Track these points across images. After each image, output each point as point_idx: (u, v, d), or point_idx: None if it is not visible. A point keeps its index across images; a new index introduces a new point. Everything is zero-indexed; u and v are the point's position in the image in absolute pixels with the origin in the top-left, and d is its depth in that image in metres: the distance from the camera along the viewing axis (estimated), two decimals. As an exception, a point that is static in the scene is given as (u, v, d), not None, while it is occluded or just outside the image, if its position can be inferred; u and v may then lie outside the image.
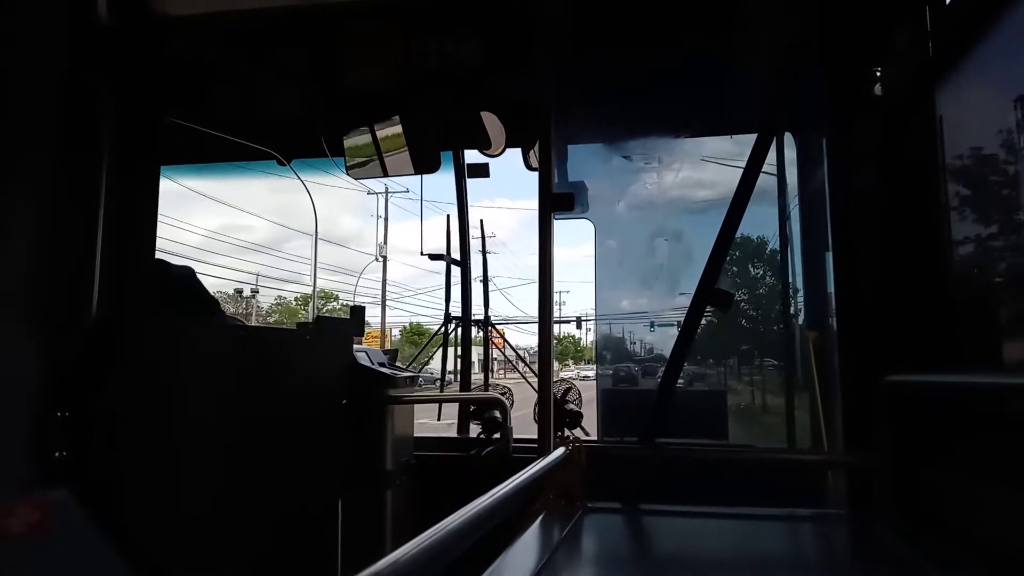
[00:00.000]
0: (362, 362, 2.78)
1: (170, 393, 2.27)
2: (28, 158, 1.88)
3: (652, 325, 2.59)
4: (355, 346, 2.78)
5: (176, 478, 2.24)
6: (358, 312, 2.74)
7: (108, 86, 2.25)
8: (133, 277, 2.42)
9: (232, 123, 2.96)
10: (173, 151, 3.01)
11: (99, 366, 2.15)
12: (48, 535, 1.71)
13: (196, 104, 2.86)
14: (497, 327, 3.95)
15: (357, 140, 3.09)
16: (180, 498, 2.22)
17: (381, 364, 2.95)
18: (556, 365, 4.17)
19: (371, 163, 3.13)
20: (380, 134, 3.08)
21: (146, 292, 2.43)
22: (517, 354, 4.62)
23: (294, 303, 39.33)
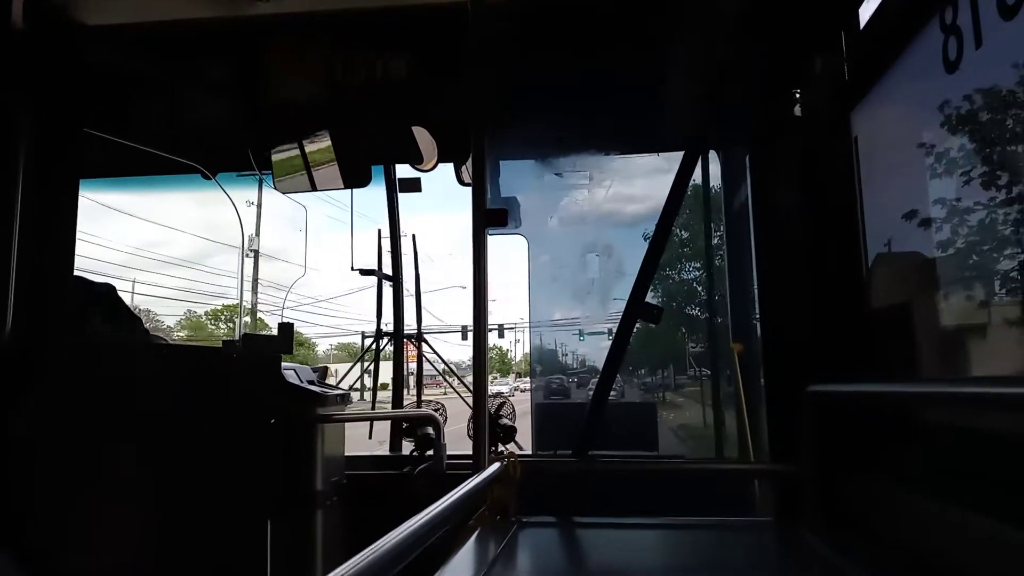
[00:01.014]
0: (291, 380, 2.72)
1: (89, 414, 2.18)
2: None
3: (581, 334, 2.61)
4: (283, 364, 2.72)
5: (95, 504, 2.14)
6: (286, 329, 2.68)
7: (24, 96, 2.17)
8: (50, 294, 2.32)
9: (155, 136, 2.87)
10: (93, 164, 2.90)
11: (13, 387, 2.05)
12: None
13: (118, 116, 2.77)
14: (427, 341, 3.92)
15: (285, 154, 3.04)
16: (100, 525, 2.13)
17: (310, 382, 2.89)
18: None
19: (299, 177, 3.08)
20: (309, 148, 3.04)
21: (64, 309, 2.33)
22: (449, 367, 4.60)
23: (203, 318, 38.00)
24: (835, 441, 1.75)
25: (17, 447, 2.04)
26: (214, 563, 2.24)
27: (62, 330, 2.27)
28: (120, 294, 2.68)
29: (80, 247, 2.64)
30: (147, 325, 2.70)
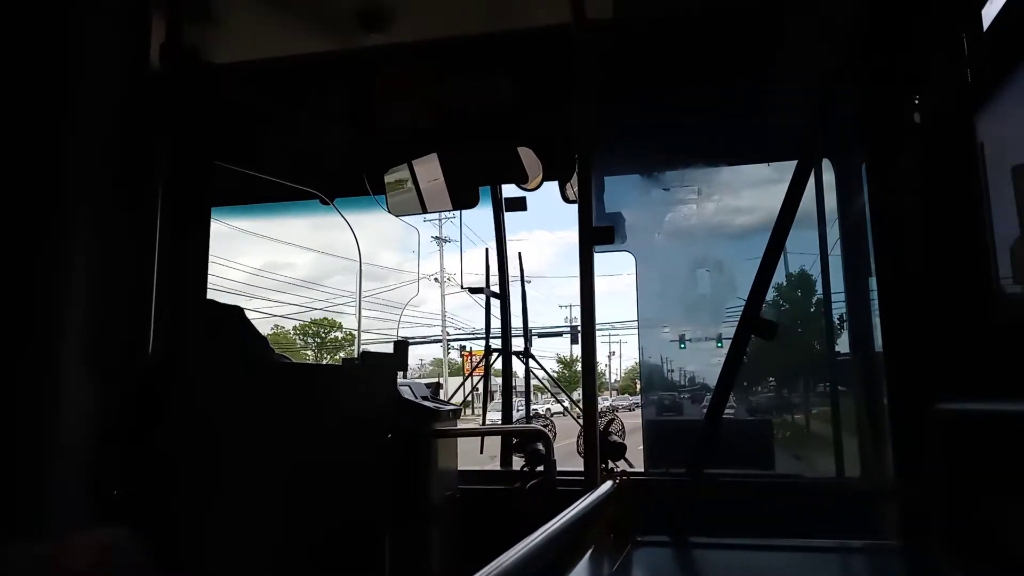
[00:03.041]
0: (406, 396, 2.81)
1: (222, 431, 2.31)
2: (89, 203, 1.96)
3: (681, 341, 2.57)
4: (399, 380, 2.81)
5: (228, 514, 2.27)
6: (401, 347, 2.77)
7: (163, 133, 2.34)
8: (186, 317, 2.48)
9: (278, 165, 3.04)
10: (221, 193, 3.10)
11: (155, 405, 2.20)
12: (107, 573, 1.75)
13: (243, 147, 2.95)
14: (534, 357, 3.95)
15: (397, 177, 3.16)
16: (232, 534, 2.26)
17: (424, 398, 2.98)
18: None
19: (411, 200, 3.19)
20: (419, 171, 3.14)
21: (198, 332, 2.49)
22: (558, 384, 4.61)
23: (292, 333, 39.31)
24: (965, 460, 1.66)
25: (157, 458, 2.19)
26: (336, 573, 2.33)
27: (197, 351, 2.43)
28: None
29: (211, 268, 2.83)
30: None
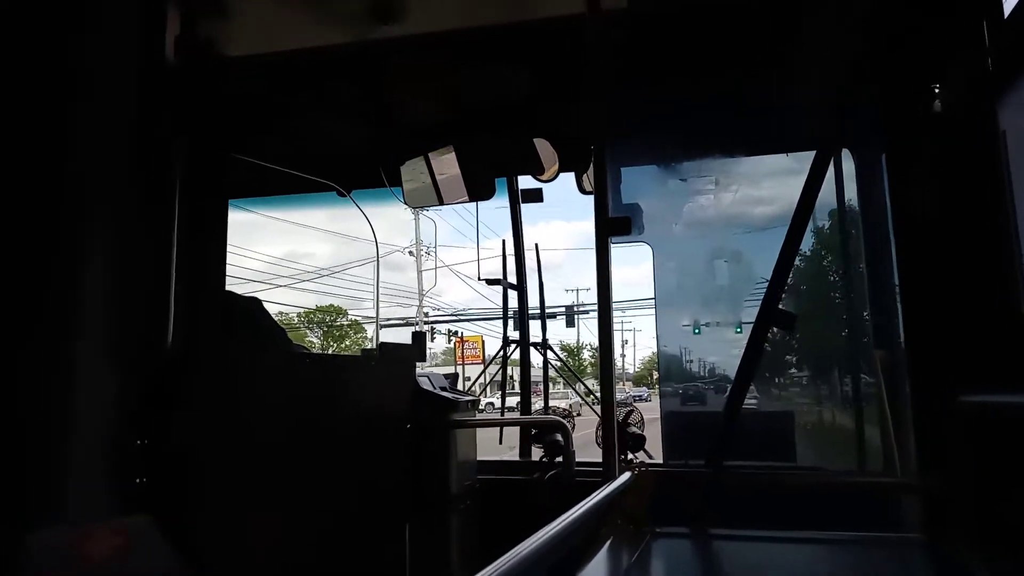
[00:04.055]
0: (424, 387, 2.82)
1: (242, 420, 2.34)
2: (107, 198, 1.98)
3: (696, 327, 2.56)
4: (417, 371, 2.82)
5: (248, 504, 2.30)
6: (419, 338, 2.79)
7: (179, 126, 2.36)
8: (205, 308, 2.50)
9: (294, 157, 3.05)
10: (239, 185, 3.12)
11: (175, 395, 2.23)
12: (130, 560, 1.77)
13: (260, 140, 2.96)
14: (552, 348, 3.95)
15: (414, 169, 3.16)
16: (252, 524, 2.28)
17: (443, 388, 2.99)
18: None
19: (428, 191, 3.19)
20: (435, 163, 3.15)
21: (217, 323, 2.51)
22: (574, 374, 4.61)
23: (296, 320, 38.69)
24: (989, 454, 1.65)
25: (178, 448, 2.21)
26: (357, 564, 2.35)
27: (215, 342, 2.45)
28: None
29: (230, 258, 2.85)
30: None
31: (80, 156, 1.94)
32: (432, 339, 32.48)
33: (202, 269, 2.69)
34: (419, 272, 30.90)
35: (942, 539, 1.74)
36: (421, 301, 30.55)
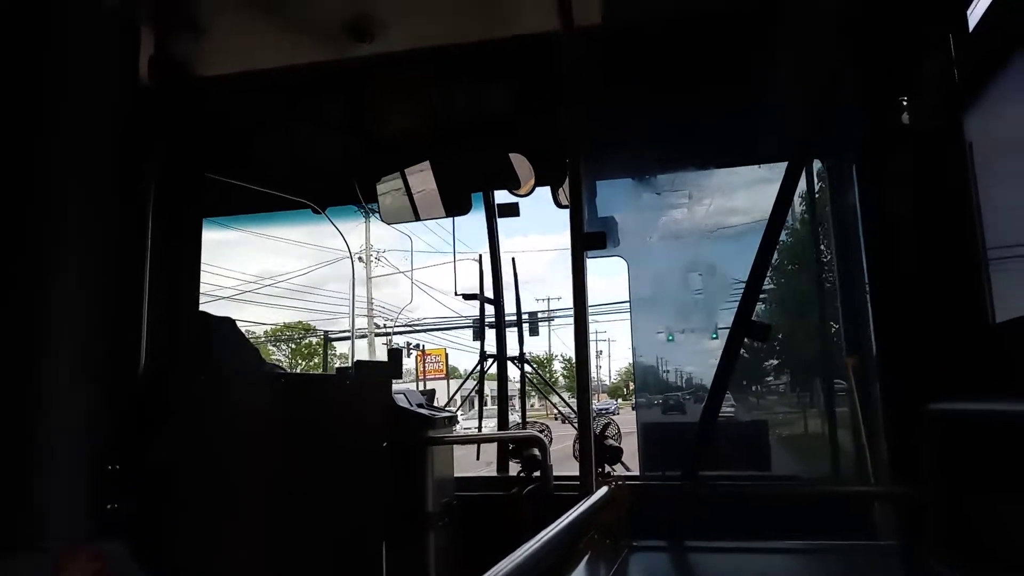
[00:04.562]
0: (401, 404, 2.81)
1: (218, 442, 2.31)
2: (80, 215, 1.96)
3: (670, 334, 2.58)
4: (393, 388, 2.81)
5: (226, 526, 2.27)
6: (396, 355, 2.78)
7: (154, 145, 2.34)
8: (179, 330, 2.48)
9: (269, 175, 3.04)
10: (214, 204, 3.10)
11: (150, 419, 2.20)
12: None
13: (234, 158, 2.95)
14: (529, 362, 3.96)
15: (390, 186, 3.16)
16: (231, 546, 2.26)
17: (419, 405, 2.98)
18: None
19: (404, 207, 3.19)
20: (411, 179, 3.15)
21: (192, 343, 2.49)
22: (551, 387, 4.62)
23: (262, 338, 37.54)
24: (961, 461, 1.67)
25: (153, 472, 2.18)
26: None
27: (191, 363, 2.42)
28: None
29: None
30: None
31: (53, 173, 1.92)
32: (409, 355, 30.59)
33: (176, 287, 2.67)
34: (368, 279, 29.20)
35: (915, 546, 1.76)
36: (371, 310, 29.03)
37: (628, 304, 2.52)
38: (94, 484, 1.95)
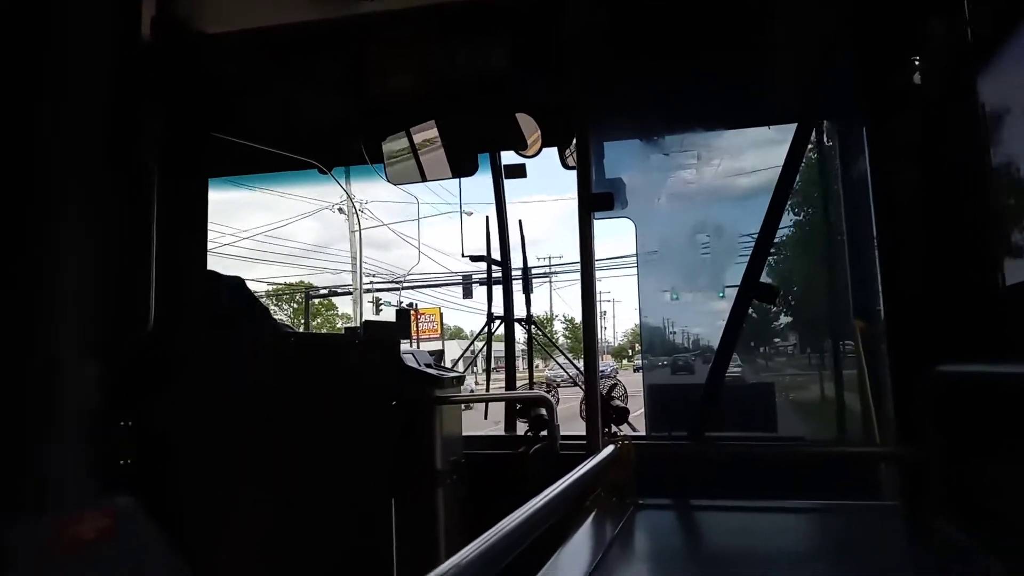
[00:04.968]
0: (409, 363, 2.83)
1: (227, 400, 2.34)
2: (84, 176, 1.95)
3: (674, 292, 2.58)
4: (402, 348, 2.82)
5: (233, 482, 2.30)
6: (404, 315, 2.79)
7: (156, 105, 2.33)
8: (186, 288, 2.49)
9: (274, 135, 3.02)
10: (218, 164, 3.08)
11: (158, 375, 2.22)
12: (117, 541, 1.78)
13: (238, 118, 2.93)
14: (536, 324, 3.96)
15: (395, 146, 3.14)
16: (238, 502, 2.29)
17: (427, 365, 2.99)
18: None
19: (410, 168, 3.17)
20: (417, 139, 3.12)
21: (200, 303, 2.50)
22: (558, 348, 4.63)
23: (265, 298, 36.28)
24: (965, 423, 1.68)
25: (163, 427, 2.21)
26: (343, 540, 2.36)
27: (199, 323, 2.44)
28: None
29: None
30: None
31: (56, 136, 1.91)
32: (378, 311, 28.95)
33: (183, 247, 2.67)
34: (351, 232, 27.34)
35: (918, 507, 1.77)
36: (360, 265, 27.22)
37: (633, 260, 2.52)
38: (104, 440, 1.97)
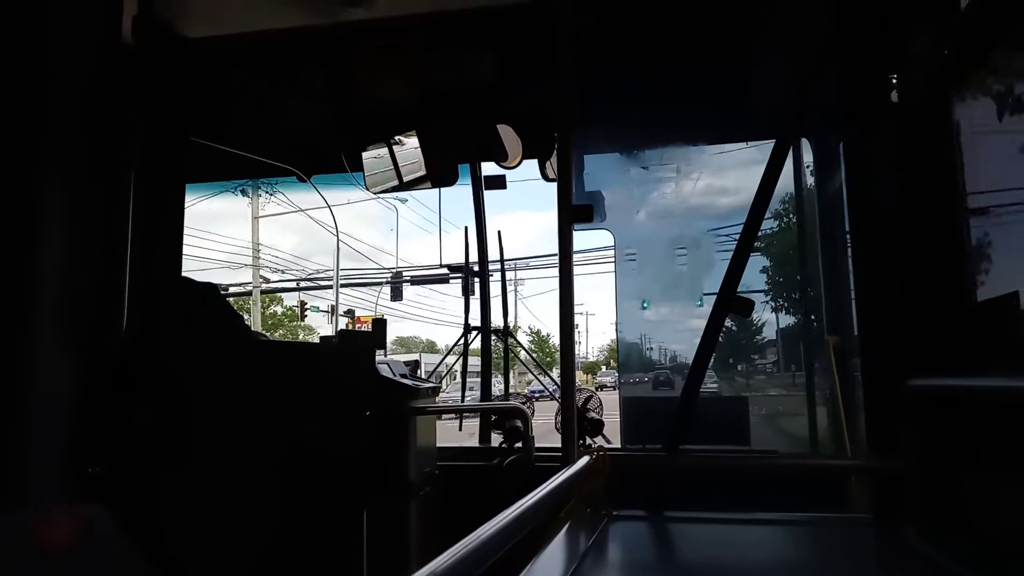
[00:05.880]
0: (384, 374, 2.81)
1: (199, 406, 2.31)
2: (60, 178, 1.93)
3: (645, 302, 2.59)
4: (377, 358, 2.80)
5: (205, 490, 2.27)
6: (380, 325, 2.77)
7: (136, 108, 2.30)
8: (162, 295, 2.46)
9: (254, 141, 3.00)
10: (197, 170, 3.06)
11: (131, 381, 2.19)
12: (85, 548, 1.74)
13: (219, 123, 2.91)
14: (514, 336, 3.96)
15: (375, 155, 3.13)
16: (210, 510, 2.26)
17: (403, 375, 2.98)
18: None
19: (389, 177, 3.17)
20: (397, 148, 3.12)
21: (174, 309, 2.47)
22: (535, 360, 4.63)
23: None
24: (938, 436, 1.70)
25: (134, 434, 2.18)
26: (314, 549, 2.34)
27: (173, 329, 2.41)
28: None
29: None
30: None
31: (33, 135, 1.89)
32: (303, 317, 26.62)
33: (158, 252, 2.64)
34: (253, 218, 24.23)
35: (892, 519, 1.79)
36: (257, 260, 24.40)
37: (603, 257, 2.53)
38: (75, 446, 1.94)
